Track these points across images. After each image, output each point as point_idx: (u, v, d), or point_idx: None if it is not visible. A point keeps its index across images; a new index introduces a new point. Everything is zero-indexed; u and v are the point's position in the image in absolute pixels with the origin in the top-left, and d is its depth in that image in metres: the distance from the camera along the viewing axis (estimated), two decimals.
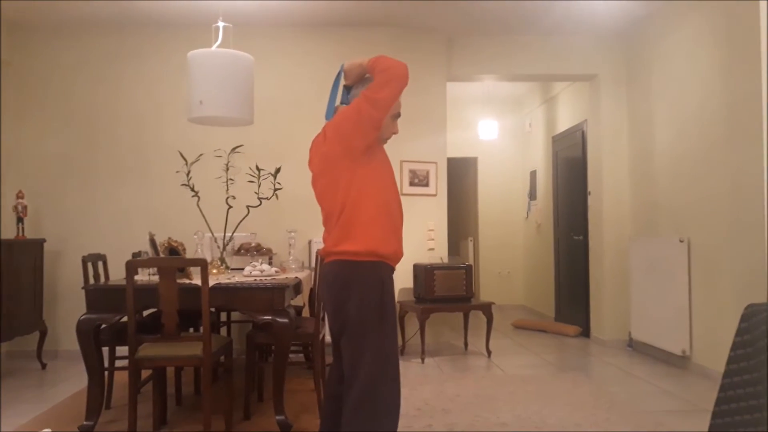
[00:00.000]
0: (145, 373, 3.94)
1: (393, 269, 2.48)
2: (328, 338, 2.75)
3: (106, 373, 3.88)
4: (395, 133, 2.55)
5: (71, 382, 4.73)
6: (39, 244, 5.39)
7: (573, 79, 6.69)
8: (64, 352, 5.50)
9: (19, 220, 5.21)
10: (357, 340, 2.38)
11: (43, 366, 5.21)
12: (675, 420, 3.75)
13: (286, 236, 4.65)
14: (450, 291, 5.54)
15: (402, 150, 5.55)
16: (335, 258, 2.42)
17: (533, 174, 8.58)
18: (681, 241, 4.99)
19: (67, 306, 5.55)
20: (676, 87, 5.20)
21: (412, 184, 5.81)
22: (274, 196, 4.49)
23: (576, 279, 6.90)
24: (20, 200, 5.24)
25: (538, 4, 5.30)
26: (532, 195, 8.63)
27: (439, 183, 5.98)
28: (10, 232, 5.37)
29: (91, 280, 3.99)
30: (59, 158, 5.69)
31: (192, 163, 4.39)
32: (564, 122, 7.42)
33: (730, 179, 4.45)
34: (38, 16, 5.46)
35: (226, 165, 4.45)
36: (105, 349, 3.81)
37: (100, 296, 3.49)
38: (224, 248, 4.27)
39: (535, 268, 8.54)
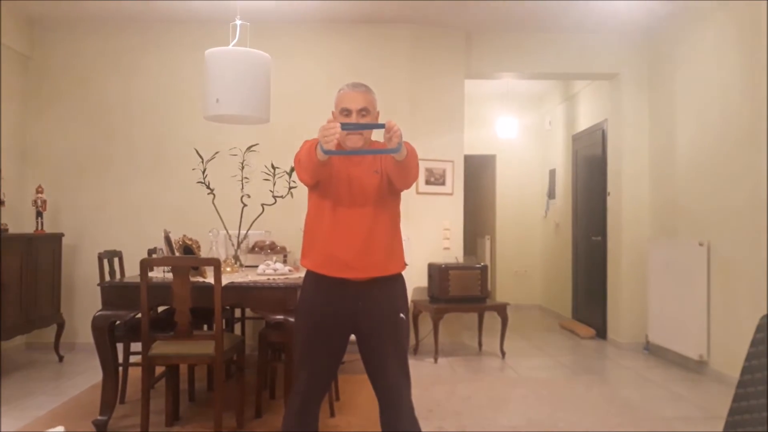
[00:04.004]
0: (159, 369, 3.98)
1: (321, 276, 2.57)
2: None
3: (121, 368, 3.93)
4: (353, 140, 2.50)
5: (87, 375, 4.79)
6: (57, 238, 5.45)
7: (594, 77, 6.61)
8: (81, 344, 5.57)
9: (39, 214, 5.28)
10: None
11: (61, 358, 5.28)
12: (689, 427, 3.70)
13: (301, 235, 4.64)
14: (465, 291, 5.50)
15: (418, 148, 5.41)
16: None
17: (552, 172, 8.50)
18: (701, 245, 4.91)
19: (84, 299, 5.62)
20: (699, 87, 5.11)
21: (428, 183, 5.79)
22: (289, 195, 4.49)
23: (594, 280, 6.83)
24: (39, 195, 5.31)
25: (559, 2, 5.24)
26: (551, 194, 8.55)
27: (456, 182, 5.93)
28: (29, 227, 5.44)
29: (107, 277, 4.02)
30: (77, 153, 5.75)
31: (208, 161, 4.41)
32: (584, 121, 7.33)
33: (752, 183, 4.36)
34: (58, 11, 5.52)
35: (242, 163, 4.46)
36: (120, 345, 3.86)
37: (115, 293, 3.52)
38: (239, 246, 4.29)
39: (553, 267, 8.47)
